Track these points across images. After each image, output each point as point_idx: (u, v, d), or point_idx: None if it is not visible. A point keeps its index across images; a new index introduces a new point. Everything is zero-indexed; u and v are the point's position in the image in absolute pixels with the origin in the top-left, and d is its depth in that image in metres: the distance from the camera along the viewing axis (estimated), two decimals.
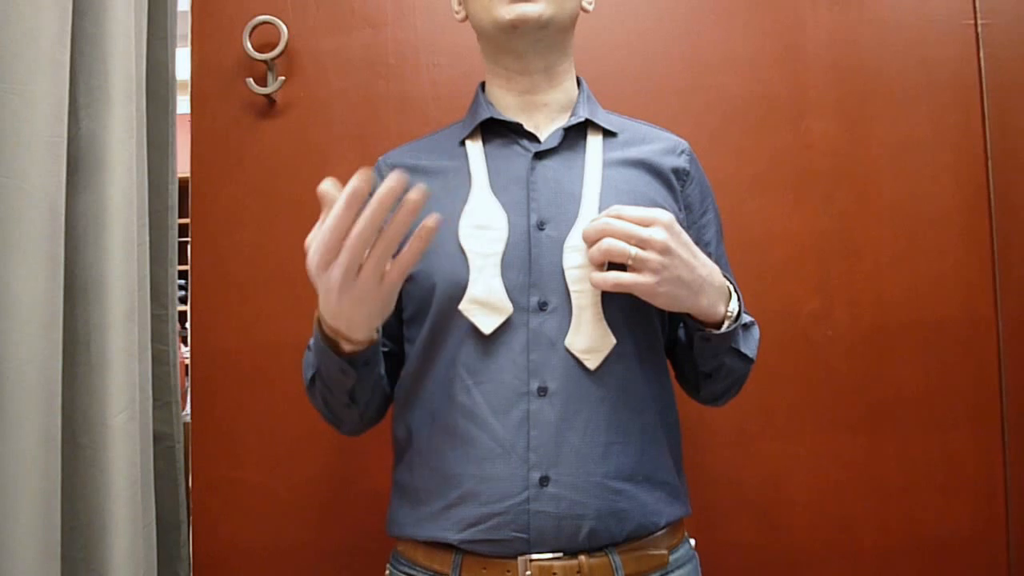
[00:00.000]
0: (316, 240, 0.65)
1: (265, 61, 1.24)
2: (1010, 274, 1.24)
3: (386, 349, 0.90)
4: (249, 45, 1.23)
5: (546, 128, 0.90)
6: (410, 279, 0.81)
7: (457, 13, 0.94)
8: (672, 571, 0.83)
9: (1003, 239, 1.24)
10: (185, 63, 1.28)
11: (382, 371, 0.87)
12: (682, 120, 1.26)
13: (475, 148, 0.88)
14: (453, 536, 0.78)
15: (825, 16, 1.28)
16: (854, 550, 1.21)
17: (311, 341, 0.81)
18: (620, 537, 0.79)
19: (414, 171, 0.89)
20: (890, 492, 1.21)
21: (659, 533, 0.82)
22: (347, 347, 0.76)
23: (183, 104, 1.26)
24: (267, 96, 1.25)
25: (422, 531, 0.81)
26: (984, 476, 1.22)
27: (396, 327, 0.89)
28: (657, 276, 0.74)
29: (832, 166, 1.26)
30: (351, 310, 0.70)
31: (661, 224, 0.75)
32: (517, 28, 0.83)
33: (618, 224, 0.75)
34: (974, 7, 1.27)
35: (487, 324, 0.79)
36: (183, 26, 1.28)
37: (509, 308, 0.79)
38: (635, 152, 0.90)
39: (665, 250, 0.74)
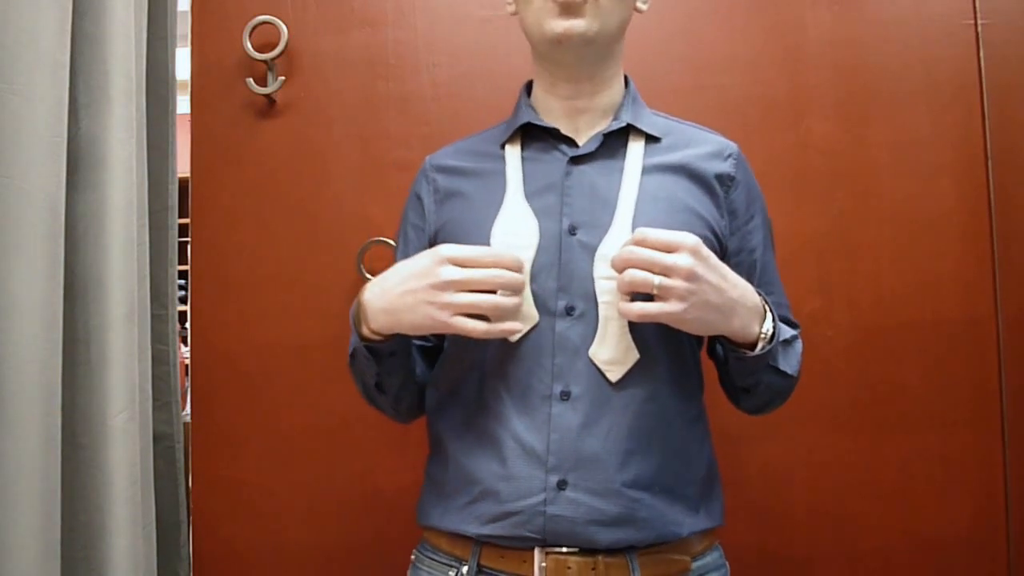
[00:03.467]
0: (468, 274, 0.74)
1: (265, 61, 1.24)
2: (1010, 274, 1.24)
3: (428, 344, 0.93)
4: (249, 45, 1.23)
5: (586, 133, 0.89)
6: None
7: (509, 5, 0.93)
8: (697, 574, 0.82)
9: (1003, 239, 1.24)
10: (185, 63, 1.28)
11: (414, 367, 0.90)
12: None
13: (513, 152, 0.89)
14: (473, 530, 0.81)
15: (825, 16, 1.27)
16: (854, 550, 1.21)
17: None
18: (639, 545, 0.79)
19: (455, 173, 0.92)
20: (890, 492, 1.21)
21: (680, 542, 0.81)
22: (366, 332, 0.81)
23: (183, 104, 1.26)
24: (267, 96, 1.25)
25: (446, 523, 0.84)
26: (984, 476, 1.22)
27: None
28: (684, 303, 0.73)
29: (832, 166, 1.25)
30: (415, 320, 0.77)
31: (686, 249, 0.73)
32: (563, 43, 0.83)
33: (641, 253, 0.73)
34: (974, 7, 1.26)
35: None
36: (183, 26, 1.28)
37: (535, 317, 0.80)
38: (677, 157, 0.88)
39: (691, 276, 0.73)
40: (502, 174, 0.87)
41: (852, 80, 1.27)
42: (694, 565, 0.82)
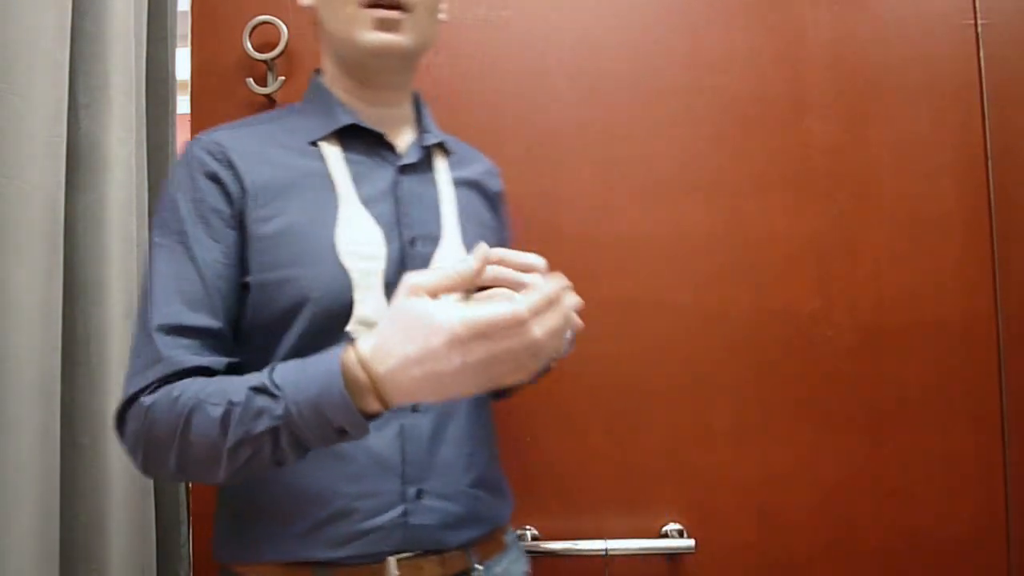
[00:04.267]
0: (550, 321, 0.63)
1: (265, 61, 1.23)
2: (1010, 274, 1.24)
3: (238, 360, 0.78)
4: (249, 45, 1.23)
5: (397, 142, 0.89)
6: (266, 286, 0.77)
7: None
8: (508, 552, 0.90)
9: (1003, 239, 1.24)
10: (185, 63, 1.28)
11: None
12: (682, 120, 1.26)
13: (334, 153, 0.84)
14: (324, 554, 0.76)
15: (825, 16, 1.27)
16: (854, 550, 1.21)
17: (280, 398, 0.66)
18: (479, 540, 0.84)
19: (263, 162, 0.81)
20: (890, 492, 1.21)
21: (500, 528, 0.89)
22: (377, 408, 0.66)
23: (183, 104, 1.26)
24: (267, 96, 1.25)
25: (282, 553, 0.77)
26: (984, 476, 1.22)
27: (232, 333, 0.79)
28: None
29: (832, 166, 1.25)
30: (493, 379, 0.65)
31: (539, 270, 0.78)
32: (380, 56, 0.83)
33: (508, 274, 0.76)
34: (974, 7, 1.26)
35: None
36: (183, 26, 1.28)
37: None
38: (468, 173, 0.95)
39: None
40: (325, 175, 0.82)
41: (852, 80, 1.27)
42: (506, 540, 0.90)
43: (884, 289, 1.24)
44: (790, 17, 1.27)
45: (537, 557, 1.18)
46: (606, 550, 1.15)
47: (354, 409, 0.64)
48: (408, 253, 0.82)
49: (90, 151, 0.99)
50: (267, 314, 0.77)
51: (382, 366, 0.63)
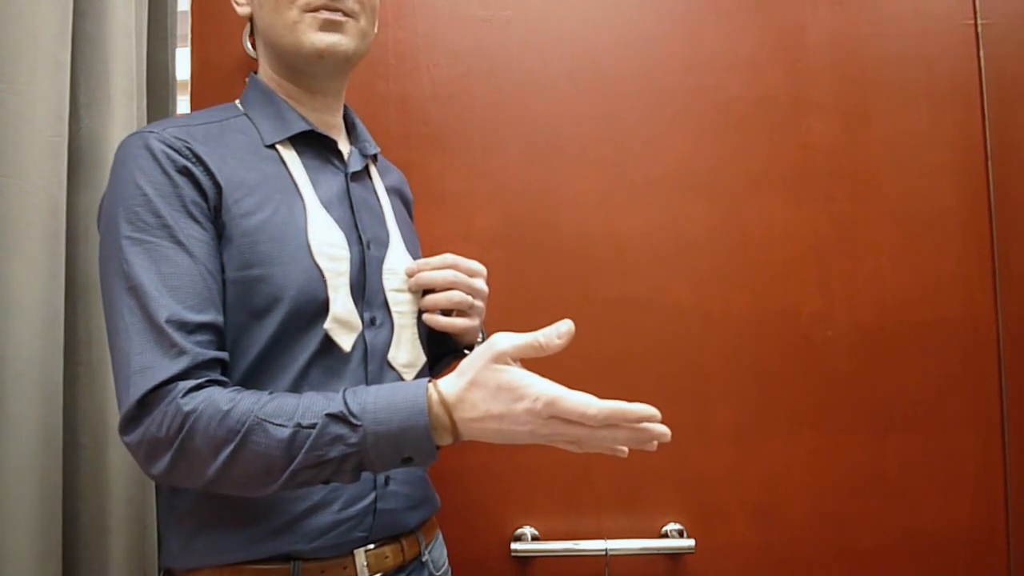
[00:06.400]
0: (616, 434, 0.69)
1: None
2: (1010, 274, 1.24)
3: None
4: (249, 45, 1.23)
5: (340, 148, 0.91)
6: (241, 283, 0.77)
7: (239, 6, 0.91)
8: (437, 536, 0.95)
9: (1003, 239, 1.24)
10: (185, 63, 1.28)
11: None
12: (682, 120, 1.26)
13: (292, 158, 0.85)
14: (302, 546, 0.77)
15: (825, 16, 1.28)
16: (854, 550, 1.21)
17: (359, 427, 0.69)
18: (426, 521, 0.91)
19: (230, 160, 0.80)
20: (890, 492, 1.21)
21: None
22: (447, 443, 0.72)
23: (183, 104, 1.26)
24: None
25: (260, 550, 0.76)
26: (984, 476, 1.22)
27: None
28: (479, 319, 0.93)
29: (832, 166, 1.26)
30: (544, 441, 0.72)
31: (483, 276, 0.92)
32: (325, 58, 0.85)
33: (463, 279, 0.89)
34: (974, 7, 1.27)
35: (346, 342, 0.81)
36: (183, 26, 1.28)
37: (359, 325, 0.83)
38: (390, 181, 1.00)
39: (485, 298, 0.93)
40: (287, 177, 0.83)
41: (852, 80, 1.27)
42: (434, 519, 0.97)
43: (884, 289, 1.24)
44: (790, 17, 1.27)
45: (537, 557, 1.18)
46: (606, 550, 1.15)
47: (434, 446, 0.70)
48: (367, 255, 0.86)
49: (91, 151, 0.99)
50: (243, 311, 0.77)
51: (465, 414, 0.70)
